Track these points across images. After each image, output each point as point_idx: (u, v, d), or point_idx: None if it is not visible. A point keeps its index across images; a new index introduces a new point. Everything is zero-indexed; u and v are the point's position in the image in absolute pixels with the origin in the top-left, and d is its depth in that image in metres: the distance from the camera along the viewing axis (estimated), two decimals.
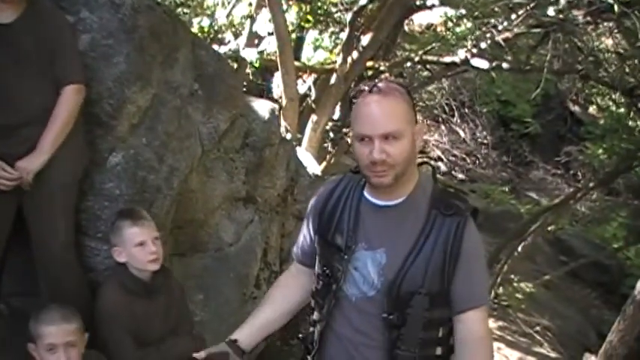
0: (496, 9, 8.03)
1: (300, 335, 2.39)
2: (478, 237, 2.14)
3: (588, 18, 7.44)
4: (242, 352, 2.30)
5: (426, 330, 2.09)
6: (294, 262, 2.50)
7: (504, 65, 8.16)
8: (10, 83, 2.89)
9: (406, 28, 10.62)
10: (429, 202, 2.11)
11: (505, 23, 7.72)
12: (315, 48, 9.69)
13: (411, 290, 2.05)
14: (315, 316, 2.29)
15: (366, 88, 2.05)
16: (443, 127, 14.83)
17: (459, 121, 14.44)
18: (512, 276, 9.90)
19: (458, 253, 2.05)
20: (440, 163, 13.88)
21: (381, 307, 2.10)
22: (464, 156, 14.87)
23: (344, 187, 2.24)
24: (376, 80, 2.08)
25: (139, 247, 2.94)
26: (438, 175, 2.26)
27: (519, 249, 9.65)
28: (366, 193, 2.18)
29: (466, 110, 14.34)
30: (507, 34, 7.70)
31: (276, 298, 2.45)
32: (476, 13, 8.26)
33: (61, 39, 2.96)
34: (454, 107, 13.73)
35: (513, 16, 7.63)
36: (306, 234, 2.38)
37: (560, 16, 7.15)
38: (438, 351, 2.14)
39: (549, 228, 10.54)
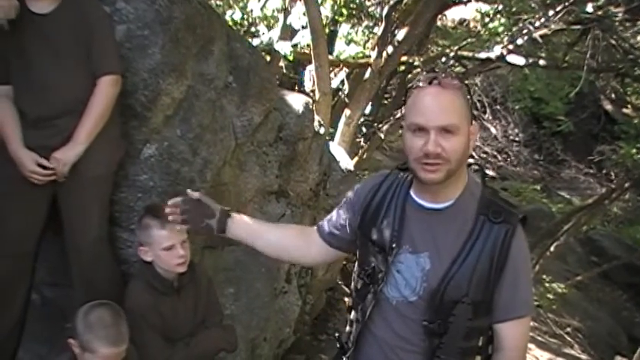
0: (532, 5, 7.91)
1: (337, 334, 2.36)
2: (526, 247, 2.07)
3: (627, 15, 7.29)
4: (223, 227, 2.36)
5: (467, 339, 2.03)
6: (315, 230, 2.42)
7: (540, 62, 8.03)
8: (47, 74, 2.88)
9: (439, 23, 10.53)
10: (477, 207, 2.03)
11: (542, 19, 7.58)
12: (348, 42, 9.61)
13: (455, 299, 1.99)
14: (353, 315, 2.25)
15: (426, 79, 1.96)
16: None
17: (490, 117, 14.30)
18: (544, 276, 9.79)
19: (504, 262, 1.98)
20: (471, 160, 13.78)
21: (423, 314, 2.04)
22: (495, 153, 14.77)
23: (390, 184, 2.16)
24: (436, 72, 2.01)
25: (167, 250, 2.87)
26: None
27: (552, 248, 9.55)
28: (412, 193, 2.10)
29: (498, 107, 14.22)
30: (545, 31, 7.57)
31: (282, 233, 2.48)
32: (513, 9, 8.14)
33: (99, 29, 2.93)
34: (486, 104, 13.58)
35: (550, 13, 7.49)
36: (342, 217, 2.31)
37: (599, 12, 7.01)
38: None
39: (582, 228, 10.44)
